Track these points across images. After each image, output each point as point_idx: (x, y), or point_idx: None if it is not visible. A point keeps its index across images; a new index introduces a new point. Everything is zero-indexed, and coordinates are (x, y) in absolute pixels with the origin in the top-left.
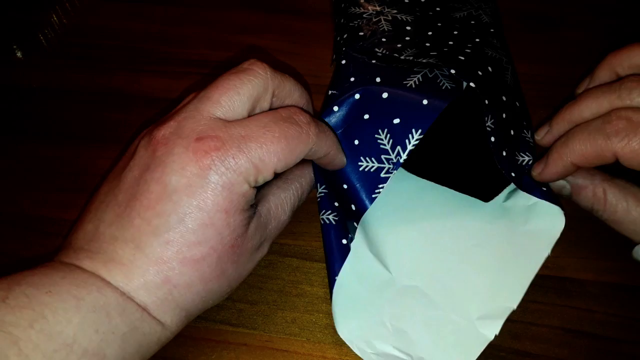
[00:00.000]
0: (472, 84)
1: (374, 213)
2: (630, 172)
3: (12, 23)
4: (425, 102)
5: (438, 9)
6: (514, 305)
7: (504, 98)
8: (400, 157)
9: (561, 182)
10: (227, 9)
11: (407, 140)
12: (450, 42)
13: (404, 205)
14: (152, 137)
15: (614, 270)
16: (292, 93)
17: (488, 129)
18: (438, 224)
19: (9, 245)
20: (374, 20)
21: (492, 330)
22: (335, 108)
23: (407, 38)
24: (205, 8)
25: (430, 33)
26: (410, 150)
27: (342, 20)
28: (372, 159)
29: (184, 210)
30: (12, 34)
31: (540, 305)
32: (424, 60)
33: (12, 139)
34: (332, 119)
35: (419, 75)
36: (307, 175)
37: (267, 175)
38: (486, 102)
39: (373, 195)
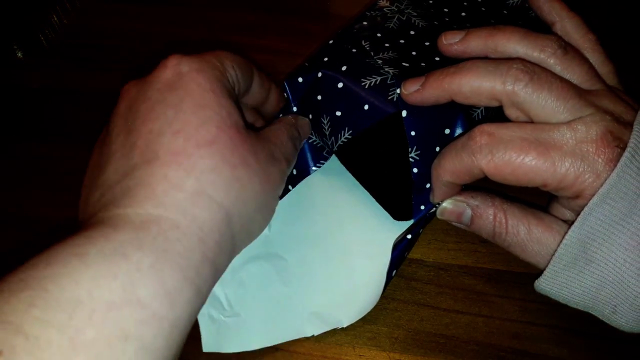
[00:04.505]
0: (404, 112)
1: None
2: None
3: (12, 23)
4: (366, 107)
5: (455, 26)
6: (344, 324)
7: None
8: (334, 146)
9: (461, 206)
10: (227, 9)
11: (339, 135)
12: (437, 58)
13: (317, 194)
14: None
15: None
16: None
17: (412, 159)
18: (332, 223)
19: (9, 245)
20: (389, 15)
21: (313, 329)
22: (300, 79)
23: (402, 41)
24: (205, 8)
25: (427, 44)
26: (340, 145)
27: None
28: (316, 136)
29: (174, 102)
30: (12, 34)
31: (540, 305)
32: (390, 69)
33: (12, 139)
34: (295, 86)
35: (378, 78)
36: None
37: (229, 69)
38: (412, 133)
39: (316, 166)
